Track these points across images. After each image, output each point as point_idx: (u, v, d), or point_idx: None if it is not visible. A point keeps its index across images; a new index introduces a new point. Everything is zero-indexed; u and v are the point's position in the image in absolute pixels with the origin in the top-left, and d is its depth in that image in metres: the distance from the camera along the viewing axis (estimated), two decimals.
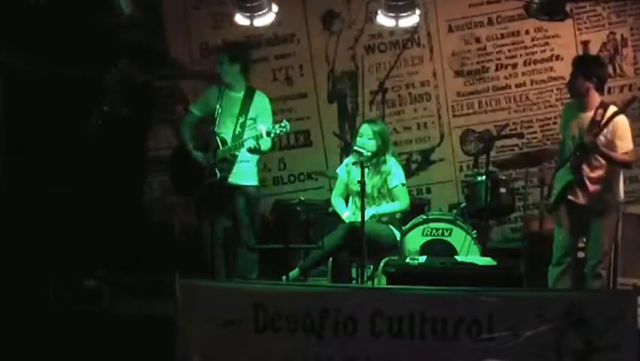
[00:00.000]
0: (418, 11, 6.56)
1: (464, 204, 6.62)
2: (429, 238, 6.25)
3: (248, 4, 6.35)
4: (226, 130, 6.24)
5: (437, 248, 6.17)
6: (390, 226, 6.18)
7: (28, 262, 6.06)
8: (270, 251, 6.30)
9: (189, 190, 6.40)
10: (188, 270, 5.56)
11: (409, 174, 7.04)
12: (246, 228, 6.31)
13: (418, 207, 6.77)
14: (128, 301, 5.84)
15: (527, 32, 7.63)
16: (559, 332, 4.25)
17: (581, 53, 7.41)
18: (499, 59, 7.69)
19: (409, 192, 6.43)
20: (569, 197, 5.62)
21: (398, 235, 6.17)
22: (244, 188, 6.31)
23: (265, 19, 6.48)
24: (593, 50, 7.50)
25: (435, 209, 7.25)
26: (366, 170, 5.82)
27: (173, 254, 7.03)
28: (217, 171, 6.10)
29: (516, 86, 7.70)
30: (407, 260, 5.51)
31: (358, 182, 5.71)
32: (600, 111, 5.46)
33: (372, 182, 6.13)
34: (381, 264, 5.51)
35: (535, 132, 7.66)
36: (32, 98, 6.99)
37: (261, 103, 6.36)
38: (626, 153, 5.45)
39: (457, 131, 7.77)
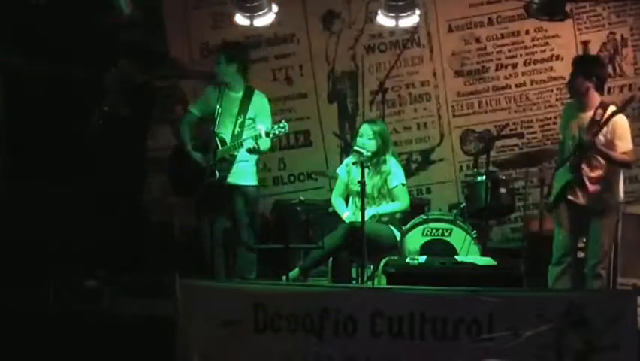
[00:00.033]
0: (418, 11, 6.56)
1: (464, 204, 6.62)
2: (429, 238, 6.25)
3: (248, 4, 6.35)
4: (225, 130, 6.24)
5: (437, 248, 6.17)
6: (390, 226, 6.18)
7: (28, 262, 6.06)
8: (269, 251, 6.30)
9: (188, 191, 6.39)
10: (188, 270, 5.56)
11: (409, 174, 7.04)
12: (245, 228, 6.31)
13: (418, 207, 6.77)
14: (128, 301, 5.84)
15: (527, 32, 7.63)
16: (559, 332, 4.25)
17: (581, 53, 7.41)
18: (499, 59, 7.69)
19: (409, 192, 6.43)
20: (569, 197, 5.62)
21: (398, 235, 6.17)
22: (243, 188, 6.31)
23: (265, 19, 6.48)
24: (593, 50, 7.50)
25: (435, 209, 7.25)
26: (366, 170, 5.82)
27: (173, 254, 7.03)
28: (216, 171, 6.10)
29: (516, 86, 7.70)
30: (407, 260, 5.51)
31: (358, 182, 5.71)
32: (600, 111, 5.46)
33: (372, 182, 6.13)
34: (381, 264, 5.51)
35: (535, 132, 7.66)
36: (32, 98, 6.99)
37: (259, 103, 6.35)
38: (625, 153, 5.45)
39: (457, 131, 7.78)
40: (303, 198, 6.58)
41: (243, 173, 6.30)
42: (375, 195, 6.19)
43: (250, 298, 4.53)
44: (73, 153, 6.90)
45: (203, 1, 7.81)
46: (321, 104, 7.86)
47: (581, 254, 5.85)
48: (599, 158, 5.47)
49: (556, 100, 7.56)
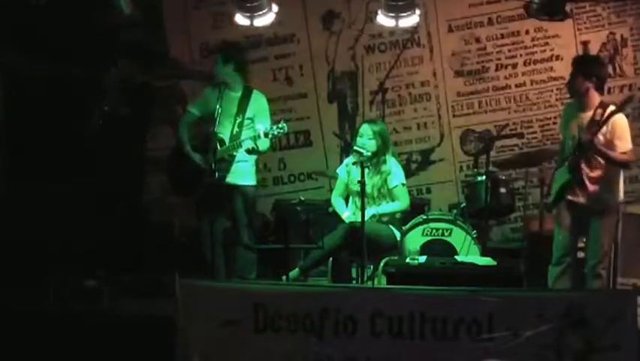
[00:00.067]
0: (418, 11, 6.56)
1: (464, 204, 6.62)
2: (429, 238, 6.25)
3: (248, 4, 6.35)
4: (224, 130, 6.24)
5: (437, 248, 6.17)
6: (390, 226, 6.18)
7: (28, 262, 6.06)
8: (270, 251, 6.31)
9: (188, 191, 6.40)
10: (188, 270, 5.56)
11: (409, 174, 7.04)
12: (244, 228, 6.31)
13: (418, 207, 6.77)
14: (128, 301, 5.84)
15: (527, 32, 7.64)
16: (559, 332, 4.25)
17: (581, 53, 7.41)
18: (499, 59, 7.69)
19: (409, 192, 6.43)
20: (569, 197, 5.63)
21: (398, 235, 6.17)
22: (242, 188, 6.31)
23: (265, 19, 6.48)
24: (593, 50, 7.50)
25: (435, 209, 7.25)
26: (366, 170, 5.82)
27: (173, 254, 7.03)
28: (215, 171, 6.11)
29: (516, 86, 7.70)
30: (407, 260, 5.51)
31: (358, 182, 5.71)
32: (600, 111, 5.46)
33: (372, 182, 6.13)
34: (381, 264, 5.51)
35: (535, 132, 7.67)
36: (32, 98, 6.99)
37: (258, 103, 6.35)
38: (624, 153, 5.45)
39: (457, 131, 7.78)
40: (303, 198, 6.60)
41: (242, 173, 6.30)
42: (375, 195, 6.19)
43: (250, 298, 4.53)
44: (73, 153, 6.90)
45: (203, 1, 7.81)
46: (321, 104, 7.86)
47: (580, 254, 5.84)
48: (599, 158, 5.47)
49: (556, 100, 7.56)
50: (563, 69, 7.01)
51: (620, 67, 7.54)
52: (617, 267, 6.22)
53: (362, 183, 5.66)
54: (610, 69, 7.26)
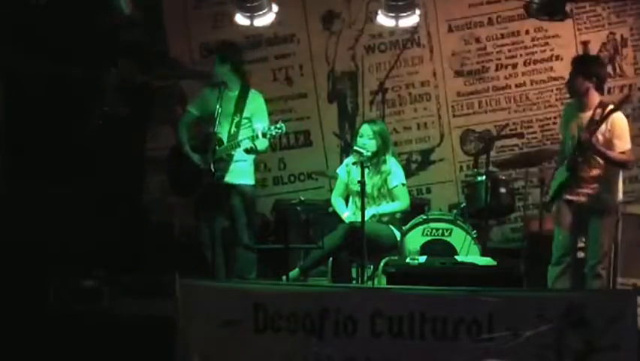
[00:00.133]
0: (418, 11, 6.56)
1: (464, 204, 6.62)
2: (429, 238, 6.25)
3: (248, 4, 6.35)
4: (222, 130, 6.24)
5: (437, 248, 6.17)
6: (391, 226, 6.18)
7: (28, 262, 6.05)
8: (269, 251, 6.31)
9: (187, 191, 6.40)
10: (188, 270, 5.56)
11: (409, 174, 7.04)
12: (244, 227, 6.31)
13: (418, 207, 6.77)
14: (128, 301, 5.83)
15: (527, 32, 7.64)
16: (559, 332, 4.25)
17: (580, 53, 7.41)
18: (499, 59, 7.70)
19: (409, 192, 6.43)
20: (569, 197, 5.63)
21: (398, 235, 6.17)
22: (240, 187, 6.31)
23: (265, 19, 6.48)
24: (593, 50, 7.50)
25: (435, 209, 7.25)
26: (366, 170, 5.82)
27: (173, 254, 7.02)
28: (214, 171, 6.11)
29: (516, 86, 7.70)
30: (407, 260, 5.52)
31: (358, 182, 5.71)
32: (599, 111, 5.46)
33: (372, 182, 6.13)
34: (381, 264, 5.51)
35: (535, 132, 7.67)
36: (32, 98, 6.98)
37: (255, 102, 6.35)
38: (623, 153, 5.46)
39: (457, 131, 7.78)
40: (303, 198, 6.61)
41: (241, 172, 6.30)
42: (376, 195, 6.19)
43: (250, 298, 4.53)
44: (73, 153, 6.89)
45: (203, 1, 7.81)
46: (321, 104, 7.86)
47: (580, 254, 5.84)
48: (597, 157, 5.47)
49: (556, 100, 7.56)
50: (563, 69, 7.01)
51: (620, 67, 7.55)
52: (617, 267, 6.23)
53: (362, 183, 5.66)
54: (610, 69, 7.28)
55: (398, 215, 6.28)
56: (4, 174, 6.95)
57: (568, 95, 6.06)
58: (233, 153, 6.21)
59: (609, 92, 7.06)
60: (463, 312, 4.34)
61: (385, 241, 6.06)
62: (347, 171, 6.33)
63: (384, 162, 6.19)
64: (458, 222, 6.30)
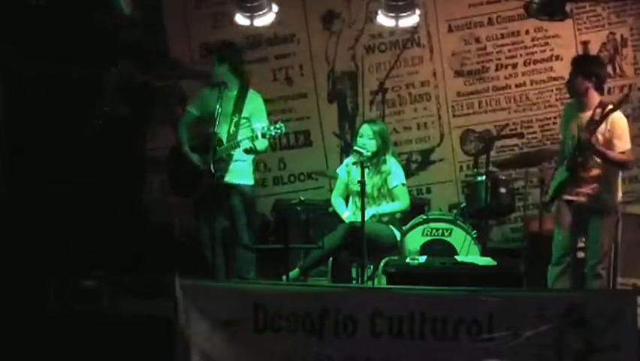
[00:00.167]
0: (418, 11, 6.56)
1: (464, 204, 6.62)
2: (429, 238, 6.26)
3: (248, 4, 6.35)
4: (221, 130, 6.24)
5: (437, 248, 6.18)
6: (391, 226, 6.18)
7: (28, 262, 6.05)
8: (269, 251, 6.31)
9: (187, 191, 6.41)
10: (188, 270, 5.56)
11: (409, 174, 7.04)
12: (243, 227, 6.32)
13: (418, 207, 6.78)
14: (128, 301, 5.83)
15: (527, 32, 7.64)
16: (559, 332, 4.25)
17: (580, 53, 7.41)
18: (499, 59, 7.70)
19: (409, 192, 6.43)
20: (568, 197, 5.63)
21: (398, 235, 6.17)
22: (240, 187, 6.31)
23: (265, 19, 6.48)
24: (593, 50, 7.50)
25: (435, 209, 7.25)
26: (366, 170, 5.83)
27: (173, 254, 7.02)
28: (214, 171, 6.11)
29: (516, 86, 7.70)
30: (407, 260, 5.52)
31: (358, 182, 5.71)
32: (599, 111, 5.46)
33: (372, 182, 6.14)
34: (381, 264, 5.52)
35: (535, 132, 7.67)
36: (32, 98, 6.98)
37: (254, 102, 6.36)
38: (623, 153, 5.46)
39: (457, 131, 7.78)
40: (303, 198, 6.61)
41: (240, 172, 6.31)
42: (376, 195, 6.19)
43: (250, 298, 4.53)
44: (73, 153, 6.89)
45: (203, 1, 7.80)
46: (321, 104, 7.86)
47: (580, 254, 5.84)
48: (596, 157, 5.47)
49: (556, 100, 7.56)
50: (563, 69, 7.01)
51: (620, 67, 7.55)
52: (617, 267, 6.23)
53: (362, 183, 5.66)
54: (610, 69, 7.28)
55: (398, 215, 6.28)
56: (4, 174, 6.95)
57: (568, 95, 6.06)
58: (232, 153, 6.21)
59: (609, 92, 7.06)
60: (463, 312, 4.34)
61: (385, 241, 6.07)
62: (347, 171, 6.33)
63: (384, 162, 6.19)
64: (458, 222, 6.31)
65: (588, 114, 5.52)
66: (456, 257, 5.85)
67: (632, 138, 5.58)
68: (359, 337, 4.40)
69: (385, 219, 6.18)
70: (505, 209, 6.72)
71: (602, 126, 5.41)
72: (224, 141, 6.21)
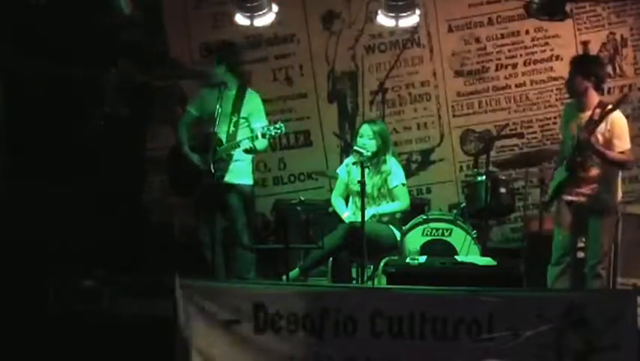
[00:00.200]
0: (418, 11, 6.56)
1: (464, 204, 6.62)
2: (429, 238, 6.25)
3: (248, 4, 6.35)
4: (221, 130, 6.25)
5: (437, 248, 6.17)
6: (391, 226, 6.18)
7: (28, 262, 6.05)
8: (269, 251, 6.30)
9: (187, 191, 6.41)
10: (188, 270, 5.56)
11: (409, 174, 7.04)
12: (243, 227, 6.32)
13: (418, 207, 6.77)
14: (128, 301, 5.83)
15: (527, 32, 7.64)
16: (559, 332, 4.25)
17: (580, 53, 7.41)
18: (499, 59, 7.70)
19: (409, 192, 6.43)
20: (568, 197, 5.63)
21: (398, 235, 6.17)
22: (239, 187, 6.32)
23: (265, 19, 6.48)
24: (593, 50, 7.50)
25: (435, 209, 7.25)
26: (366, 170, 5.83)
27: (173, 254, 7.02)
28: (214, 171, 6.11)
29: (516, 86, 7.70)
30: (407, 260, 5.52)
31: (358, 182, 5.71)
32: (598, 110, 5.46)
33: (372, 182, 6.13)
34: (381, 264, 5.52)
35: (535, 132, 7.67)
36: (32, 98, 6.98)
37: (253, 102, 6.36)
38: (622, 153, 5.45)
39: (457, 131, 7.78)
40: (303, 198, 6.61)
41: (239, 172, 6.31)
42: (376, 195, 6.19)
43: (250, 298, 4.53)
44: (73, 153, 6.89)
45: (203, 1, 7.80)
46: (321, 104, 7.85)
47: (580, 254, 5.84)
48: (595, 157, 5.47)
49: (556, 100, 7.56)
50: (563, 69, 6.98)
51: (620, 67, 7.55)
52: (617, 267, 6.23)
53: (362, 183, 5.66)
54: (610, 69, 7.29)
55: (398, 215, 6.28)
56: (4, 174, 6.95)
57: (568, 95, 6.06)
58: (232, 152, 6.21)
59: (609, 92, 7.08)
60: (463, 312, 4.34)
61: (385, 241, 6.07)
62: (347, 171, 6.33)
63: (384, 162, 6.19)
64: (458, 222, 6.31)
65: (588, 114, 5.52)
66: (456, 257, 5.85)
67: (632, 138, 5.58)
68: (359, 337, 4.41)
69: (385, 219, 6.18)
70: (505, 209, 6.72)
71: (602, 126, 5.41)
72: (224, 140, 6.22)
